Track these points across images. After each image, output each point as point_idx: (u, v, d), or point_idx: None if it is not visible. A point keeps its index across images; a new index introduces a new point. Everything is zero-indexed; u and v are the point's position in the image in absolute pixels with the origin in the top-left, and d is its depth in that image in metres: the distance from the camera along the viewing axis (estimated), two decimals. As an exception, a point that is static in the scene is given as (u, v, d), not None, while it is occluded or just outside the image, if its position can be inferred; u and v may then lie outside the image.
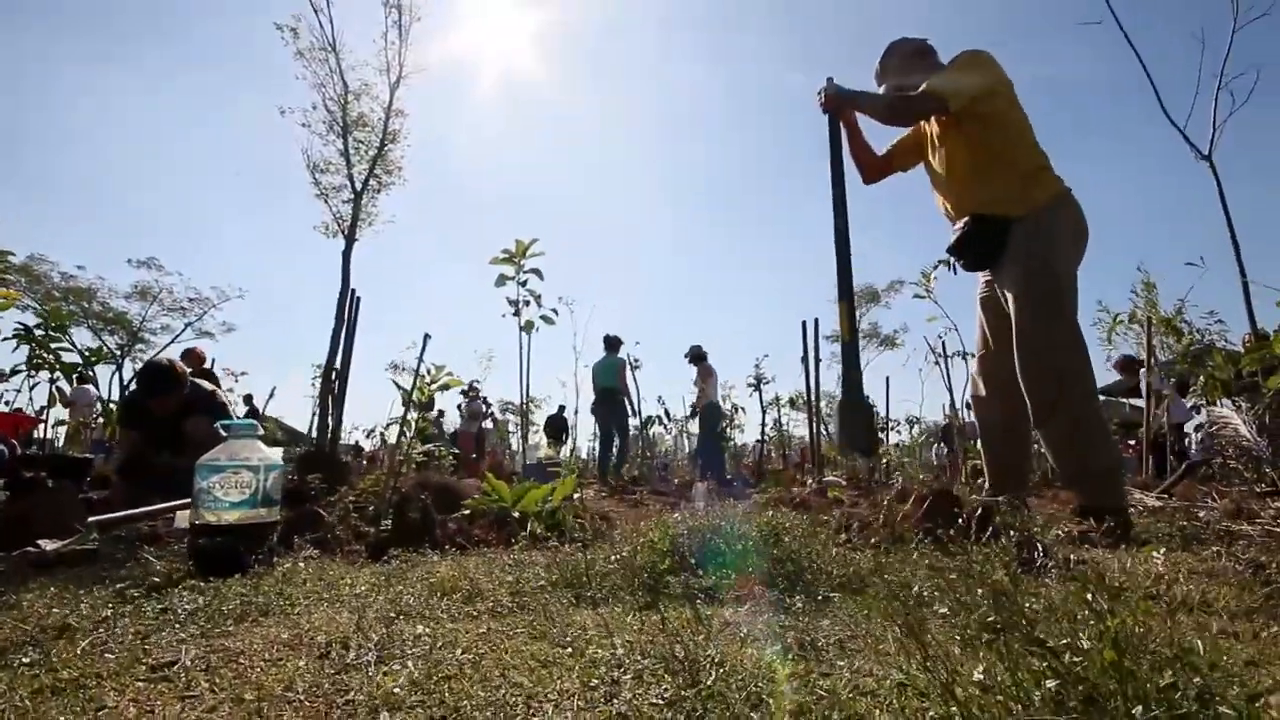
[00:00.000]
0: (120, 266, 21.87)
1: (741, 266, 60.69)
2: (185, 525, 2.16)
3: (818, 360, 5.49)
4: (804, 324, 5.59)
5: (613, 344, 8.16)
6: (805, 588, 1.44)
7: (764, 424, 8.12)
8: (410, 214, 31.24)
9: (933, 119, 2.64)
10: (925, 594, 1.22)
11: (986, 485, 2.73)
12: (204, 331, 21.86)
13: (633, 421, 8.56)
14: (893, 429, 8.71)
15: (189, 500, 1.99)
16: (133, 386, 4.06)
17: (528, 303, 5.34)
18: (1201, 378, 4.42)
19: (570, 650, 1.03)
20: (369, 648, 1.04)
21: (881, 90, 2.78)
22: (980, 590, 0.88)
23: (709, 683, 0.82)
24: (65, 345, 3.85)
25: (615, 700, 0.83)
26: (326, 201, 13.70)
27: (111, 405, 8.64)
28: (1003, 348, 2.58)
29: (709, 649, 0.98)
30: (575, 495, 2.74)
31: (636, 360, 9.19)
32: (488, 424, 12.56)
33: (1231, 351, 4.64)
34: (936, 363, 6.22)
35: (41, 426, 5.83)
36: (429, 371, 3.06)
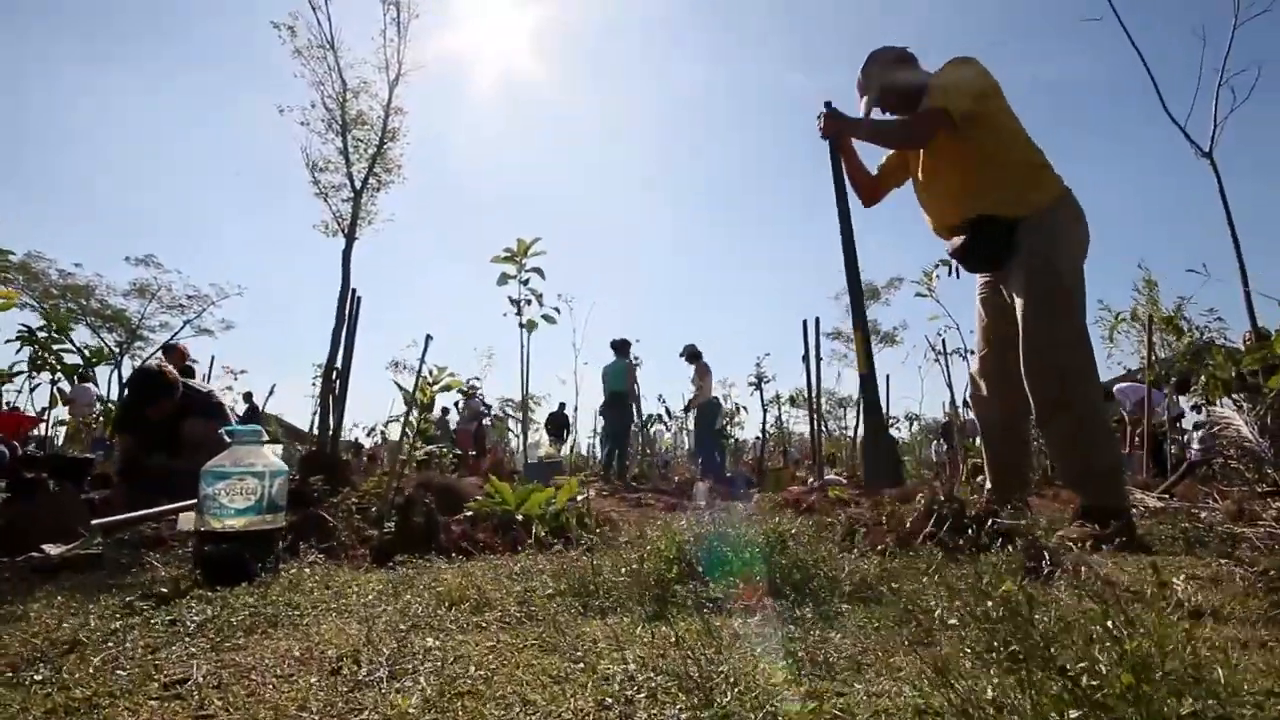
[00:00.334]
0: (119, 265, 21.78)
1: (741, 266, 60.72)
2: (189, 527, 2.16)
3: (819, 359, 5.50)
4: (804, 323, 5.60)
5: (621, 347, 8.14)
6: (813, 596, 1.44)
7: (765, 422, 8.15)
8: (410, 213, 31.30)
9: None
10: (934, 605, 1.22)
11: (986, 485, 2.74)
12: (203, 329, 21.74)
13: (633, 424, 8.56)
14: (892, 426, 8.72)
15: (193, 502, 1.99)
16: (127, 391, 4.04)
17: (529, 301, 5.35)
18: (1203, 377, 4.43)
19: (582, 665, 1.03)
20: (380, 663, 1.03)
21: (863, 102, 2.70)
22: (990, 602, 0.88)
23: (724, 702, 0.82)
24: (67, 347, 3.84)
25: None
26: (326, 200, 13.68)
27: (111, 405, 8.62)
28: (1003, 347, 2.58)
29: (722, 665, 0.98)
30: (579, 497, 2.75)
31: (637, 358, 9.19)
32: (486, 422, 12.57)
33: (1232, 349, 4.65)
34: (936, 360, 6.21)
35: (42, 426, 5.83)
36: (431, 372, 3.06)
